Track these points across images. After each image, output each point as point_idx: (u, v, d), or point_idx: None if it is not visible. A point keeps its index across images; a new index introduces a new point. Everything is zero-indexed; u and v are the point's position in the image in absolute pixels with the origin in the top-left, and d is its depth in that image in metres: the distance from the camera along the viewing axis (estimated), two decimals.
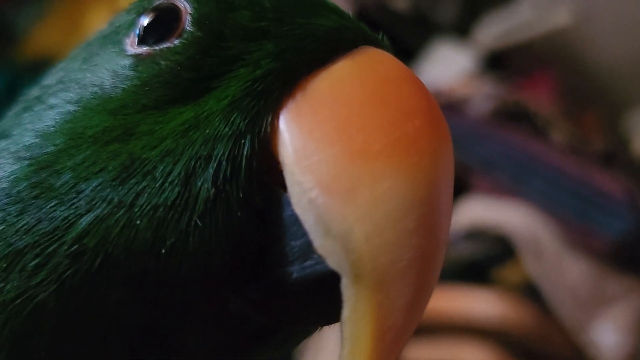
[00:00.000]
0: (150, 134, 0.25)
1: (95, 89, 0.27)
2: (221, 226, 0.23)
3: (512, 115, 1.16)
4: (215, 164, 0.24)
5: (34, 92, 0.30)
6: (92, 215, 0.24)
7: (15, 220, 0.25)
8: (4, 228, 0.25)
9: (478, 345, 0.92)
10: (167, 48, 0.26)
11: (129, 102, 0.26)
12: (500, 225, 1.01)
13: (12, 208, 0.25)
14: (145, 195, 0.24)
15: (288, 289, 0.24)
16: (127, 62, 0.27)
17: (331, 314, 0.23)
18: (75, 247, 0.23)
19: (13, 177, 0.26)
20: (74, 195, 0.24)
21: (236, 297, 0.24)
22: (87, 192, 0.24)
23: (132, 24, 0.28)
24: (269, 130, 0.24)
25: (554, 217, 1.03)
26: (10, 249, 0.24)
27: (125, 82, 0.26)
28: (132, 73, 0.26)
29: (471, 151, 1.09)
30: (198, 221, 0.23)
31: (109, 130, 0.25)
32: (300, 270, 0.23)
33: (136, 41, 0.27)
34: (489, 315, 0.93)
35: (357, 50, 0.25)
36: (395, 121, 0.23)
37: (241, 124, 0.24)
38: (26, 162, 0.26)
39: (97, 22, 1.15)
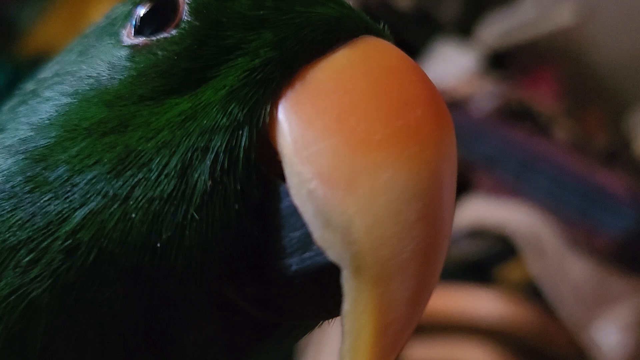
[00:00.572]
0: (146, 125, 0.24)
1: (91, 80, 0.26)
2: (218, 219, 0.23)
3: (514, 114, 1.16)
4: (212, 156, 0.23)
5: (30, 85, 0.30)
6: (87, 209, 0.23)
7: (9, 215, 0.24)
8: None
9: (479, 344, 0.92)
10: (164, 38, 0.26)
11: (125, 93, 0.25)
12: (503, 224, 1.01)
13: (5, 203, 0.24)
14: (141, 187, 0.23)
15: (287, 282, 0.23)
16: (123, 52, 0.26)
17: (332, 307, 0.22)
18: (69, 241, 0.23)
19: (7, 171, 0.25)
20: (68, 189, 0.24)
21: (234, 291, 0.24)
22: (81, 185, 0.24)
23: (129, 14, 0.27)
24: (267, 120, 0.24)
25: (556, 215, 1.02)
26: (4, 244, 0.24)
27: (122, 73, 0.26)
28: (128, 64, 0.26)
29: (474, 149, 1.09)
30: (195, 214, 0.23)
31: (105, 121, 0.25)
32: (299, 262, 0.23)
33: (132, 32, 0.27)
34: (490, 314, 0.93)
35: (357, 40, 0.25)
36: (396, 111, 0.23)
37: (239, 115, 0.24)
38: (21, 156, 0.25)
39: (99, 18, 1.15)
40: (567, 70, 1.39)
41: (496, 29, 1.37)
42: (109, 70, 0.26)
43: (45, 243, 0.23)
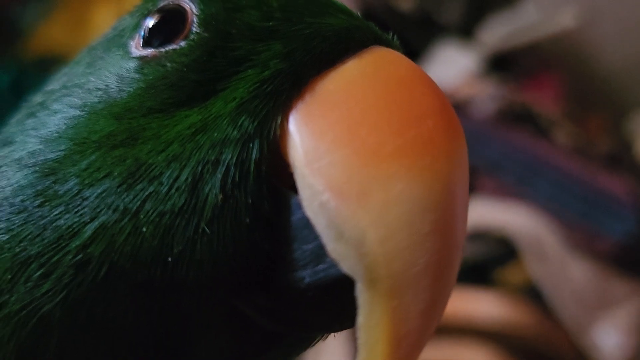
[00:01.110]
0: (156, 138, 0.24)
1: (100, 93, 0.26)
2: (229, 233, 0.23)
3: (516, 117, 1.16)
4: (223, 169, 0.23)
5: (37, 98, 0.29)
6: (97, 222, 0.23)
7: (19, 229, 0.24)
8: (8, 238, 0.24)
9: (480, 346, 0.92)
10: (173, 50, 0.26)
11: (134, 106, 0.25)
12: (504, 227, 1.01)
13: (16, 217, 0.24)
14: (152, 201, 0.23)
15: (300, 294, 0.23)
16: (132, 64, 0.26)
17: (344, 319, 0.22)
18: (80, 256, 0.23)
19: (17, 185, 0.25)
20: (79, 203, 0.24)
21: (245, 303, 0.24)
22: (91, 199, 0.24)
23: (137, 26, 0.27)
24: (278, 132, 0.24)
25: (557, 218, 1.02)
26: (15, 259, 0.24)
27: (131, 85, 0.26)
28: (137, 76, 0.26)
29: (475, 152, 1.09)
30: (206, 228, 0.23)
31: (114, 134, 0.25)
32: (312, 275, 0.23)
33: (141, 43, 0.27)
34: (491, 316, 0.93)
35: (367, 50, 0.25)
36: (408, 122, 0.23)
37: (250, 127, 0.24)
38: (30, 170, 0.25)
39: (102, 19, 1.15)
40: (569, 74, 1.39)
41: (498, 32, 1.37)
42: (118, 82, 0.26)
43: (56, 257, 0.23)
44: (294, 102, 0.24)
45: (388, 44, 0.26)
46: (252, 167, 0.23)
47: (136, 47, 0.27)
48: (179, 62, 0.25)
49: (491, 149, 1.10)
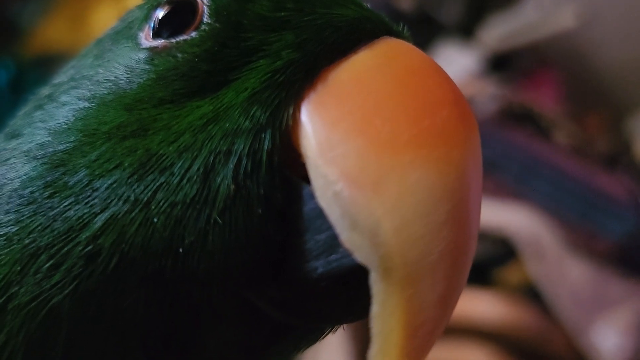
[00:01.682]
0: (167, 128, 0.24)
1: (109, 84, 0.26)
2: (241, 223, 0.23)
3: (516, 117, 1.16)
4: (235, 159, 0.23)
5: (45, 90, 0.29)
6: (108, 213, 0.23)
7: (29, 221, 0.24)
8: (17, 230, 0.24)
9: (478, 346, 0.92)
10: (184, 40, 0.26)
11: (144, 97, 0.25)
12: (502, 227, 1.01)
13: (25, 209, 0.24)
14: (163, 192, 0.23)
15: (312, 285, 0.23)
16: (142, 55, 0.26)
17: (358, 309, 0.22)
18: (90, 247, 0.23)
19: (26, 177, 0.25)
20: (89, 194, 0.24)
21: (257, 296, 0.24)
22: (102, 190, 0.24)
23: (146, 17, 0.27)
24: (290, 122, 0.23)
25: (556, 218, 1.02)
26: (24, 250, 0.24)
27: (141, 76, 0.26)
28: (147, 67, 0.26)
29: None
30: (218, 219, 0.23)
31: (125, 125, 0.25)
32: (325, 265, 0.23)
33: (151, 34, 0.27)
34: (489, 316, 0.93)
35: (378, 41, 0.25)
36: (422, 111, 0.23)
37: (262, 117, 0.24)
38: (39, 161, 0.25)
39: (102, 17, 1.15)
40: (568, 73, 1.39)
41: (498, 31, 1.37)
42: (128, 73, 0.26)
43: (66, 249, 0.23)
44: (306, 92, 0.24)
45: (399, 35, 0.26)
46: (264, 158, 0.23)
47: (146, 38, 0.27)
48: (190, 52, 0.25)
49: (490, 148, 1.10)
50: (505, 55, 1.36)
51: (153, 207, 0.23)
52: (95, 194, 0.24)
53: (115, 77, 0.26)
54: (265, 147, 0.23)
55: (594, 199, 1.05)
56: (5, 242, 0.24)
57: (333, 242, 0.22)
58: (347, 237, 0.22)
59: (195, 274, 0.23)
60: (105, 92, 0.26)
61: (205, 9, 0.26)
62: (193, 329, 0.24)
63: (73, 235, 0.23)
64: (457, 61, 1.27)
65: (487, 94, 1.19)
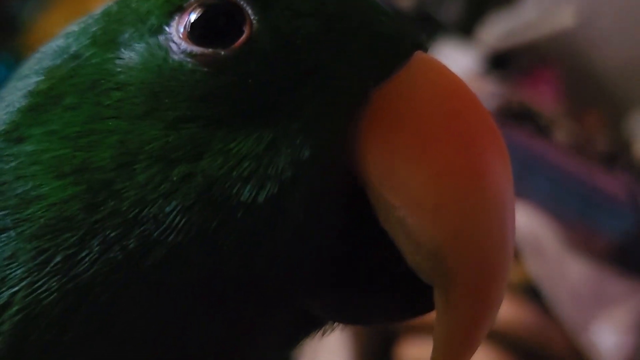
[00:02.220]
0: (225, 153, 0.23)
1: (139, 93, 0.24)
2: (309, 248, 0.23)
3: (515, 115, 1.16)
4: (301, 187, 0.23)
5: (41, 83, 0.26)
6: (171, 241, 0.22)
7: (76, 249, 0.22)
8: (60, 259, 0.22)
9: None
10: (234, 55, 0.24)
11: (188, 114, 0.23)
12: None
13: (68, 235, 0.23)
14: (231, 222, 0.23)
15: (371, 292, 0.24)
16: (179, 64, 0.24)
17: (414, 308, 0.24)
18: (156, 274, 0.23)
19: (59, 197, 0.23)
20: (146, 220, 0.23)
21: (313, 300, 0.25)
22: (160, 217, 0.22)
23: (167, 13, 0.25)
24: (349, 148, 0.24)
25: (555, 216, 1.02)
26: (73, 283, 0.22)
27: (182, 90, 0.24)
28: (188, 79, 0.24)
29: None
30: (285, 245, 0.23)
31: (173, 147, 0.23)
32: (389, 278, 0.24)
33: (187, 39, 0.24)
34: None
35: (414, 58, 0.25)
36: (471, 135, 0.24)
37: (322, 145, 0.23)
38: (70, 179, 0.23)
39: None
40: (567, 72, 1.39)
41: (497, 30, 1.36)
42: (161, 81, 0.24)
43: (127, 279, 0.23)
44: (362, 116, 0.24)
45: (423, 46, 0.27)
46: (328, 184, 0.23)
47: (180, 43, 0.24)
48: (243, 69, 0.24)
49: None
50: (505, 53, 1.36)
51: (220, 236, 0.23)
52: (156, 220, 0.23)
53: (144, 83, 0.24)
54: (329, 173, 0.24)
55: (593, 197, 1.05)
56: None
57: (397, 259, 0.23)
58: (412, 259, 0.23)
59: (258, 288, 0.23)
60: (137, 100, 0.24)
61: (254, 22, 0.24)
62: (245, 334, 0.24)
63: (134, 262, 0.23)
64: (457, 60, 1.27)
65: (486, 93, 1.18)
